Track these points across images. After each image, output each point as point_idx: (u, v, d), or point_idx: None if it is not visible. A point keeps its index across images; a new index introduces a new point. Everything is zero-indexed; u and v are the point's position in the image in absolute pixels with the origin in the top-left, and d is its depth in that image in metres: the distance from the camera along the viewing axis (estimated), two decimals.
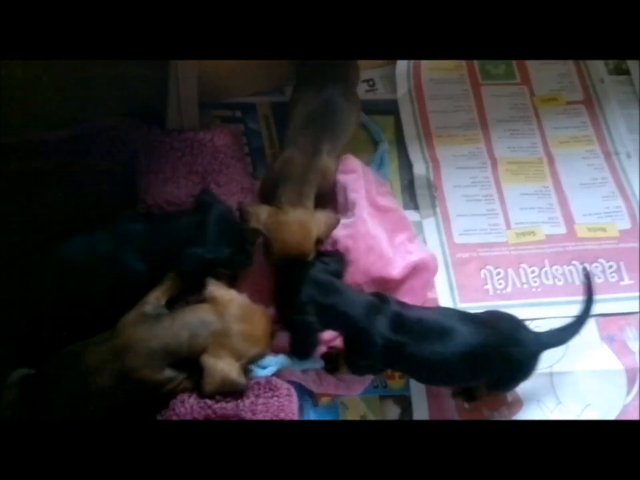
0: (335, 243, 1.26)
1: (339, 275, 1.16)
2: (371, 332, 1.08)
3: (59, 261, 1.09)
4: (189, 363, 1.03)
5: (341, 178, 1.33)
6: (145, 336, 1.02)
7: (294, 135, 1.27)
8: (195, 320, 1.04)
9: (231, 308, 1.06)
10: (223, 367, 1.02)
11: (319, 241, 1.17)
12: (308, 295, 1.09)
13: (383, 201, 1.38)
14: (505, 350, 1.12)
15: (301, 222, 1.15)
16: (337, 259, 1.19)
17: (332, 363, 1.21)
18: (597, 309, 1.37)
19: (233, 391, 1.05)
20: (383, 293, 1.16)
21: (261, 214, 1.15)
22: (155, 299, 1.08)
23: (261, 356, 1.09)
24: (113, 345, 1.01)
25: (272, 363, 1.14)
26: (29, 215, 1.21)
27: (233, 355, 1.03)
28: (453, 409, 1.27)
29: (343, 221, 1.27)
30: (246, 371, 1.07)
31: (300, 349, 1.13)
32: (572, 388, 1.31)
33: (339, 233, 1.25)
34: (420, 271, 1.30)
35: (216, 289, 1.09)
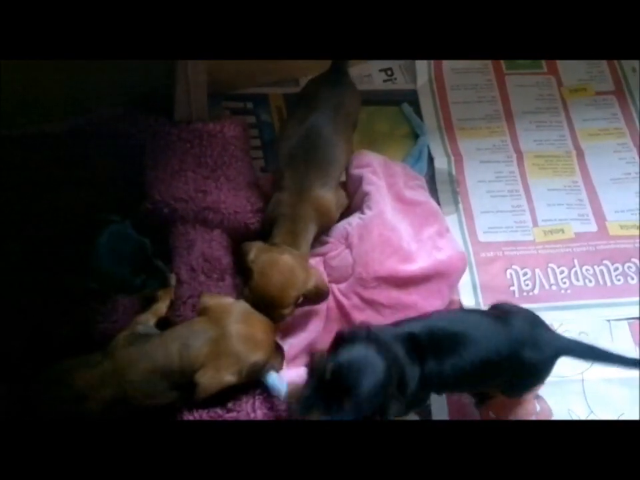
0: (346, 235, 1.21)
1: None
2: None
3: None
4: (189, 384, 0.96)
5: (356, 172, 1.29)
6: (135, 357, 0.96)
7: (280, 173, 1.20)
8: (185, 331, 0.98)
9: (229, 312, 1.00)
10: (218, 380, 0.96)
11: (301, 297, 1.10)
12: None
13: (410, 194, 1.32)
14: (516, 353, 1.04)
15: (288, 270, 1.07)
16: None
17: None
18: (630, 312, 1.31)
19: None
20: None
21: (252, 250, 1.09)
22: (145, 320, 1.04)
23: (262, 365, 1.00)
24: (104, 369, 0.96)
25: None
26: (29, 208, 1.16)
27: (231, 360, 0.96)
28: (476, 417, 1.19)
29: (358, 215, 1.23)
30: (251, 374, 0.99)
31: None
32: (604, 396, 1.23)
33: (353, 222, 1.21)
34: (448, 270, 1.23)
35: (209, 299, 1.03)
